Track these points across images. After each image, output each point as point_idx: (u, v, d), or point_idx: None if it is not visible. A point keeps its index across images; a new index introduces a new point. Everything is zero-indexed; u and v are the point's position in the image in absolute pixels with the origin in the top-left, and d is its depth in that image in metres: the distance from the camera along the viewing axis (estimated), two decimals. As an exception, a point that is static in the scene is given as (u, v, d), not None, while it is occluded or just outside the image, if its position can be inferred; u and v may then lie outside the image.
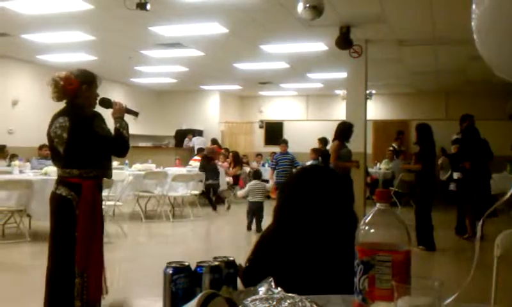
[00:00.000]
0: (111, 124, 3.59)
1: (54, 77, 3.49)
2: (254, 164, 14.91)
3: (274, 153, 15.87)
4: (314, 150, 12.08)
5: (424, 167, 7.52)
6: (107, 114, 3.64)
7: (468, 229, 8.26)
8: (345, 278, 1.80)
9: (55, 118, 3.49)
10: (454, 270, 6.66)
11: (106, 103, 3.69)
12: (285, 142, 12.38)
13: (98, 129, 3.40)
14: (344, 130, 7.91)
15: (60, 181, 3.46)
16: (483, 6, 1.48)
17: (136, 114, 3.81)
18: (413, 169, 8.01)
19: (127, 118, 3.75)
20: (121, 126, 3.56)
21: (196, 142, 16.11)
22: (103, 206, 7.39)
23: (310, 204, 1.84)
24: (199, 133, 17.37)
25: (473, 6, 1.51)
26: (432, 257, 7.21)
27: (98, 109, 3.64)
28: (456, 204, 8.90)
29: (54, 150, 3.50)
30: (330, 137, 8.49)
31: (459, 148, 8.78)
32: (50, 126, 3.49)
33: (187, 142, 16.87)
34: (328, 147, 12.25)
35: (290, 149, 12.67)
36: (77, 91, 3.48)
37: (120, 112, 3.63)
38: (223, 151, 14.91)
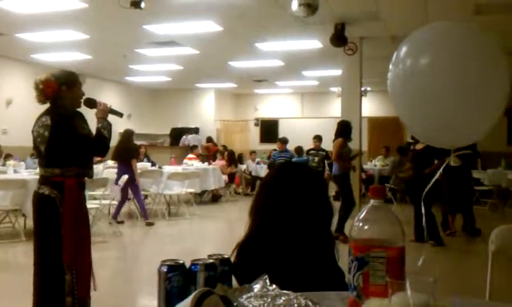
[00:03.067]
0: (94, 123, 3.63)
1: (36, 80, 3.55)
2: (249, 163, 14.89)
3: (275, 150, 15.94)
4: (296, 149, 12.42)
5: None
6: (91, 115, 3.68)
7: (450, 224, 8.32)
8: (331, 270, 1.83)
9: (39, 118, 3.55)
10: (449, 264, 6.68)
11: (91, 103, 3.74)
12: (282, 140, 12.45)
13: (78, 128, 3.44)
14: (346, 128, 7.93)
15: (42, 180, 3.49)
16: (397, 69, 1.52)
17: (120, 114, 3.87)
18: (406, 172, 7.89)
19: (117, 118, 3.79)
20: (103, 126, 3.61)
21: (192, 140, 16.10)
22: (97, 206, 7.43)
23: (293, 201, 1.85)
24: (195, 131, 17.33)
25: (390, 66, 1.56)
26: (428, 252, 7.22)
27: (83, 109, 3.66)
28: (439, 201, 8.94)
29: (37, 149, 3.56)
30: (328, 134, 8.49)
31: None
32: (34, 126, 3.55)
33: (184, 140, 16.86)
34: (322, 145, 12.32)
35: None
36: (56, 93, 3.52)
37: (104, 113, 3.67)
38: (220, 148, 14.90)
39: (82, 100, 3.67)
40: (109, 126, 3.65)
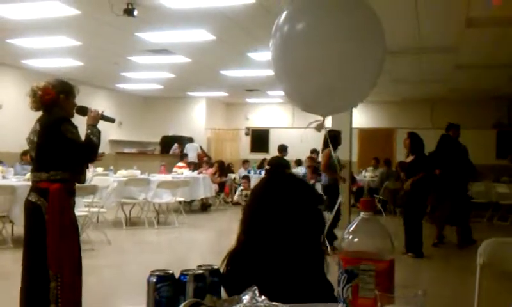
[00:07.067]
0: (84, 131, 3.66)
1: (33, 87, 3.57)
2: (241, 171, 14.88)
3: (265, 159, 15.94)
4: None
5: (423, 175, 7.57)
6: (84, 124, 3.69)
7: (437, 235, 8.38)
8: (319, 281, 1.82)
9: (34, 125, 3.59)
10: (438, 277, 6.70)
11: (83, 111, 3.77)
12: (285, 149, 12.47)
13: (66, 132, 3.45)
14: (335, 138, 7.88)
15: (32, 187, 3.53)
16: (275, 43, 1.59)
17: (112, 120, 3.91)
18: (415, 179, 7.63)
19: (108, 125, 3.80)
20: (92, 132, 3.64)
21: (189, 149, 16.09)
22: (86, 213, 7.37)
23: (282, 211, 1.84)
24: (189, 140, 17.24)
25: (271, 40, 1.63)
26: (418, 264, 7.24)
27: (76, 118, 3.68)
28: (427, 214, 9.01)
29: (30, 156, 3.63)
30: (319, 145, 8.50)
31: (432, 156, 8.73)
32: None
33: (174, 149, 16.81)
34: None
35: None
36: (54, 101, 3.54)
37: (95, 120, 3.71)
38: (205, 159, 14.89)
39: (74, 111, 3.70)
40: (98, 133, 3.66)
